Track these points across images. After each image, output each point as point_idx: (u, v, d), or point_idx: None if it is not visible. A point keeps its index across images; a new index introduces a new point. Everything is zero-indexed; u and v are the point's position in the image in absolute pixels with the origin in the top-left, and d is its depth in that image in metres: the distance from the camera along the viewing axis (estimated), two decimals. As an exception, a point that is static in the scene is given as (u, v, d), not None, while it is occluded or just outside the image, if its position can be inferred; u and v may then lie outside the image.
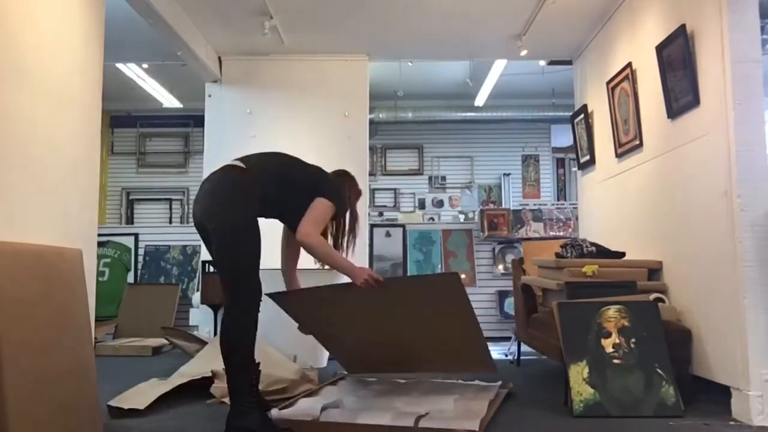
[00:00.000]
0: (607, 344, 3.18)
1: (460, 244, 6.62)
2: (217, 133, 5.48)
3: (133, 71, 6.67)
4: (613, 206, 4.58)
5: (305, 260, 4.91)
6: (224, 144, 5.45)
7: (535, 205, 7.20)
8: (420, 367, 3.52)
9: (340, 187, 3.09)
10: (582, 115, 5.14)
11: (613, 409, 3.03)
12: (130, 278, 6.70)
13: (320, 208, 2.89)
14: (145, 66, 6.59)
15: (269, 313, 4.49)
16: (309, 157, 5.48)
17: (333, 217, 2.99)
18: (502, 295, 6.51)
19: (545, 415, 3.08)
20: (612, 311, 3.25)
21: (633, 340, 3.19)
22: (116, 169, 8.86)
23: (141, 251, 6.83)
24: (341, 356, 3.79)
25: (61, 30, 2.85)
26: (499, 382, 3.61)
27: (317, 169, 3.13)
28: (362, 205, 5.36)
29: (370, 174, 7.69)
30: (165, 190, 8.79)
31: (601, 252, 3.88)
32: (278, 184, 2.91)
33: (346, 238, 3.16)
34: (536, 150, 9.04)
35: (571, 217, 6.55)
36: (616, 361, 3.15)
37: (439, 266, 6.52)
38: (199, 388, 3.95)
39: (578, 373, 3.13)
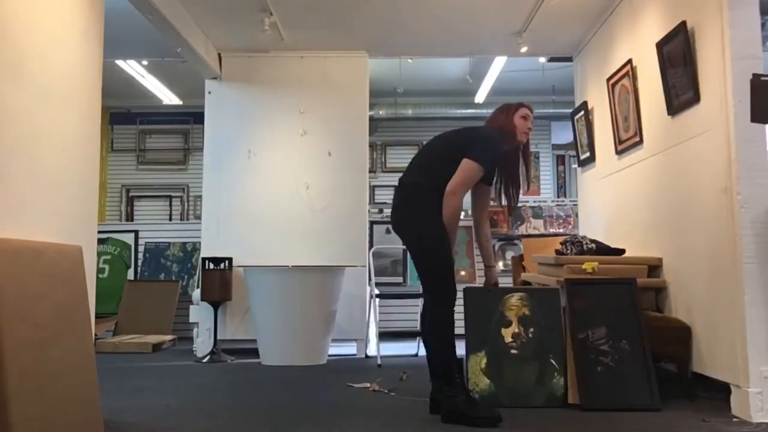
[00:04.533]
0: (507, 333, 3.25)
1: (460, 241, 6.62)
2: (217, 129, 5.47)
3: (133, 68, 6.66)
4: (613, 203, 4.58)
5: (308, 258, 4.90)
6: (224, 141, 5.44)
7: (535, 202, 7.20)
8: None
9: (489, 141, 3.11)
10: (582, 112, 5.14)
11: (505, 400, 3.11)
12: (130, 275, 6.71)
13: (463, 167, 3.00)
14: (144, 63, 6.57)
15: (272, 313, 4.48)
16: (308, 154, 5.50)
17: (485, 172, 3.08)
18: (502, 292, 6.51)
19: (545, 409, 3.08)
20: (515, 299, 3.31)
21: (531, 329, 3.24)
22: (116, 166, 8.85)
23: (141, 248, 6.84)
24: None
25: (60, 27, 2.85)
26: None
27: (469, 131, 3.23)
28: (361, 201, 5.39)
29: (370, 171, 7.67)
30: (165, 187, 8.78)
31: (601, 249, 3.88)
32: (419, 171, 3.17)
33: (506, 185, 3.24)
34: (536, 147, 9.01)
35: (571, 214, 6.56)
36: (513, 351, 3.22)
37: (439, 263, 6.51)
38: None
39: (476, 364, 3.20)
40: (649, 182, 3.91)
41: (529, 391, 3.15)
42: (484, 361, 3.18)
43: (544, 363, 3.18)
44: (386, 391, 3.61)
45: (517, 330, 3.22)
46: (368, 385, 3.77)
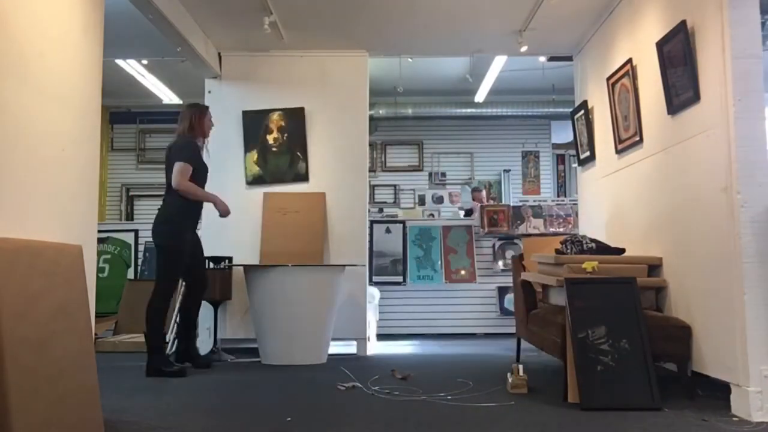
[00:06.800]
0: (270, 138, 5.35)
1: (460, 240, 6.62)
2: (216, 129, 5.45)
3: (133, 67, 6.67)
4: (613, 202, 4.58)
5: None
6: (224, 140, 5.44)
7: (535, 201, 7.21)
8: None
9: (188, 143, 4.49)
10: (582, 111, 5.14)
11: (268, 179, 5.34)
12: (130, 274, 6.71)
13: (177, 168, 4.31)
14: (144, 62, 6.58)
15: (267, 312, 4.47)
16: (309, 152, 5.49)
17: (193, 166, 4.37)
18: (502, 291, 6.52)
19: (544, 408, 3.09)
20: (275, 115, 5.34)
21: (285, 134, 5.33)
22: (116, 166, 8.87)
23: (141, 247, 6.83)
24: None
25: (60, 26, 2.85)
26: None
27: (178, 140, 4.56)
28: (361, 201, 5.39)
29: (370, 170, 7.69)
30: (165, 186, 8.79)
31: (601, 248, 3.88)
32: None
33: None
34: (536, 146, 9.05)
35: (571, 214, 6.56)
36: (274, 149, 5.32)
37: (439, 262, 6.52)
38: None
39: (251, 158, 5.29)
40: (649, 181, 3.91)
41: (282, 173, 5.33)
42: (256, 155, 5.35)
43: (293, 154, 5.34)
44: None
45: (276, 135, 5.35)
46: (357, 384, 3.78)
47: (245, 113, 5.44)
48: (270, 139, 5.41)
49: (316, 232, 5.27)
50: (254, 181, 5.41)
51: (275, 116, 5.40)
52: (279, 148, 5.41)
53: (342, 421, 2.92)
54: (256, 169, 5.40)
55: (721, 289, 3.07)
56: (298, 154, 5.41)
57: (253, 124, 5.43)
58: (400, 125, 8.81)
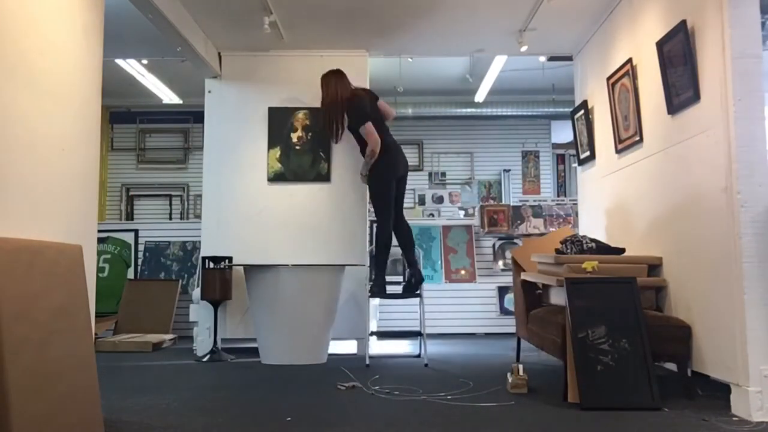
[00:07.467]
0: (294, 136, 5.35)
1: (460, 240, 6.62)
2: (217, 129, 5.46)
3: (133, 67, 6.66)
4: (613, 202, 4.58)
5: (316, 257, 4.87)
6: (224, 140, 5.44)
7: (535, 201, 7.20)
8: None
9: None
10: (582, 111, 5.14)
11: (290, 177, 5.32)
12: (130, 274, 6.71)
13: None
14: (144, 62, 6.58)
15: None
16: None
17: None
18: (502, 291, 6.52)
19: (544, 408, 3.09)
20: (301, 114, 5.35)
21: (310, 134, 5.36)
22: (116, 165, 8.86)
23: (141, 247, 6.84)
24: None
25: (60, 25, 2.85)
26: None
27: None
28: (361, 200, 5.40)
29: (370, 170, 7.68)
30: (165, 186, 8.80)
31: (601, 248, 3.88)
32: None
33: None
34: (536, 146, 9.05)
35: (571, 213, 6.56)
36: (297, 147, 5.34)
37: (439, 262, 6.52)
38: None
39: (273, 155, 5.32)
40: (649, 181, 3.91)
41: (305, 172, 5.34)
42: (279, 153, 5.34)
43: (316, 154, 5.35)
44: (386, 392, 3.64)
45: (300, 134, 5.34)
46: (356, 383, 3.76)
47: (271, 110, 5.43)
48: (294, 137, 5.40)
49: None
50: (275, 178, 5.37)
51: (300, 115, 5.39)
52: (302, 146, 5.40)
53: (342, 421, 2.92)
54: (278, 166, 5.37)
55: (721, 289, 3.07)
56: (321, 153, 5.40)
57: (279, 121, 5.42)
58: (400, 125, 8.79)
